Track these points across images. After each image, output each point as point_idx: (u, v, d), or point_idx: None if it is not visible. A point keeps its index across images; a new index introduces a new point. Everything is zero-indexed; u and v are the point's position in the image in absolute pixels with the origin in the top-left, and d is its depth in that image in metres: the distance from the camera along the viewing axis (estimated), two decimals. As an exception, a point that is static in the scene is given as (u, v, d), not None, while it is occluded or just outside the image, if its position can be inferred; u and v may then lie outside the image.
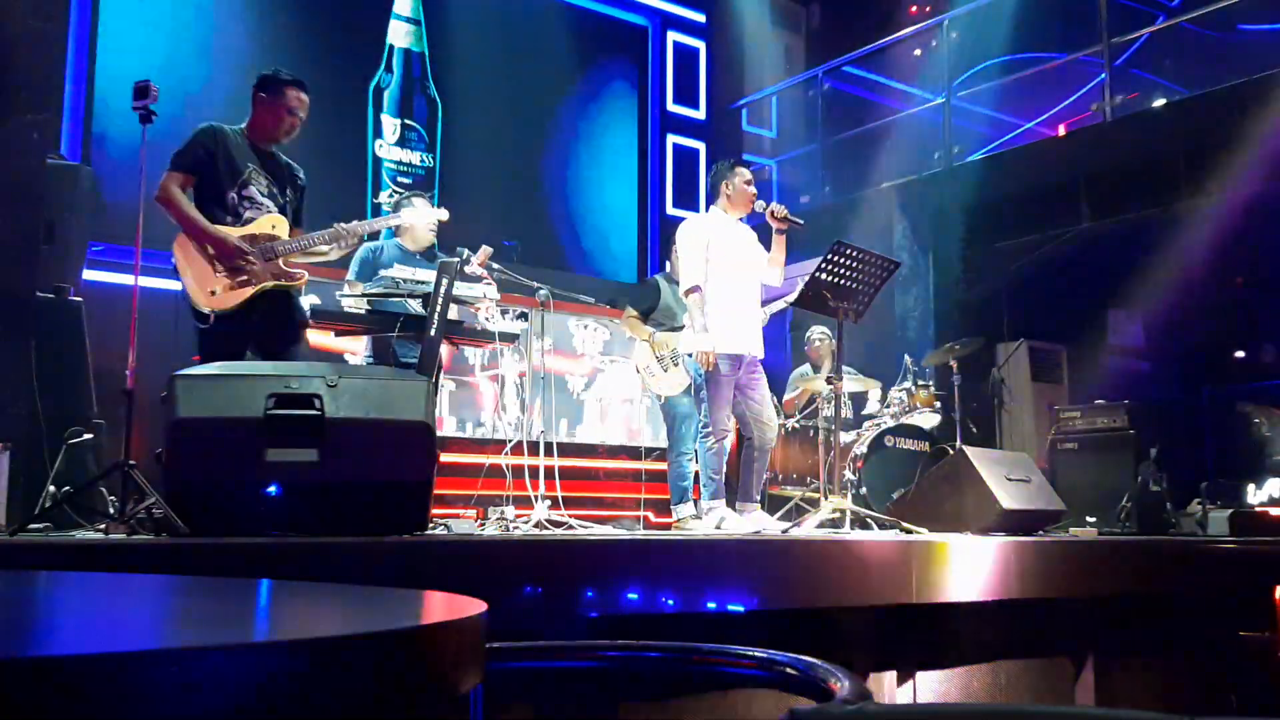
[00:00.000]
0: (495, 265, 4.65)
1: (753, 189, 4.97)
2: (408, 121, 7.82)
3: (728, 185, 4.95)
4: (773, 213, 4.82)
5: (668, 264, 5.89)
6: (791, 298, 5.27)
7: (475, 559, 2.94)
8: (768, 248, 4.98)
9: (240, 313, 3.66)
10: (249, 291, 3.67)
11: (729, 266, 4.85)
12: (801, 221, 4.90)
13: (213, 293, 3.62)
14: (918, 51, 9.34)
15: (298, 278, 3.81)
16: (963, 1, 8.45)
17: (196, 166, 3.74)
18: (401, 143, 7.78)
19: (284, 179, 3.95)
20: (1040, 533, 4.74)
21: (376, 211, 7.57)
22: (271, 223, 3.79)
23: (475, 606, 0.88)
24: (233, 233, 3.69)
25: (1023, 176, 7.93)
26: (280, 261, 3.75)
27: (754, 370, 4.90)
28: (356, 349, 5.45)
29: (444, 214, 4.58)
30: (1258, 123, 6.69)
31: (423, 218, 4.60)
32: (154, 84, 3.78)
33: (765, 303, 5.43)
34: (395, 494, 3.06)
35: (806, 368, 6.98)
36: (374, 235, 4.81)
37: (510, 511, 4.43)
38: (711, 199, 5.05)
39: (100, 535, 3.10)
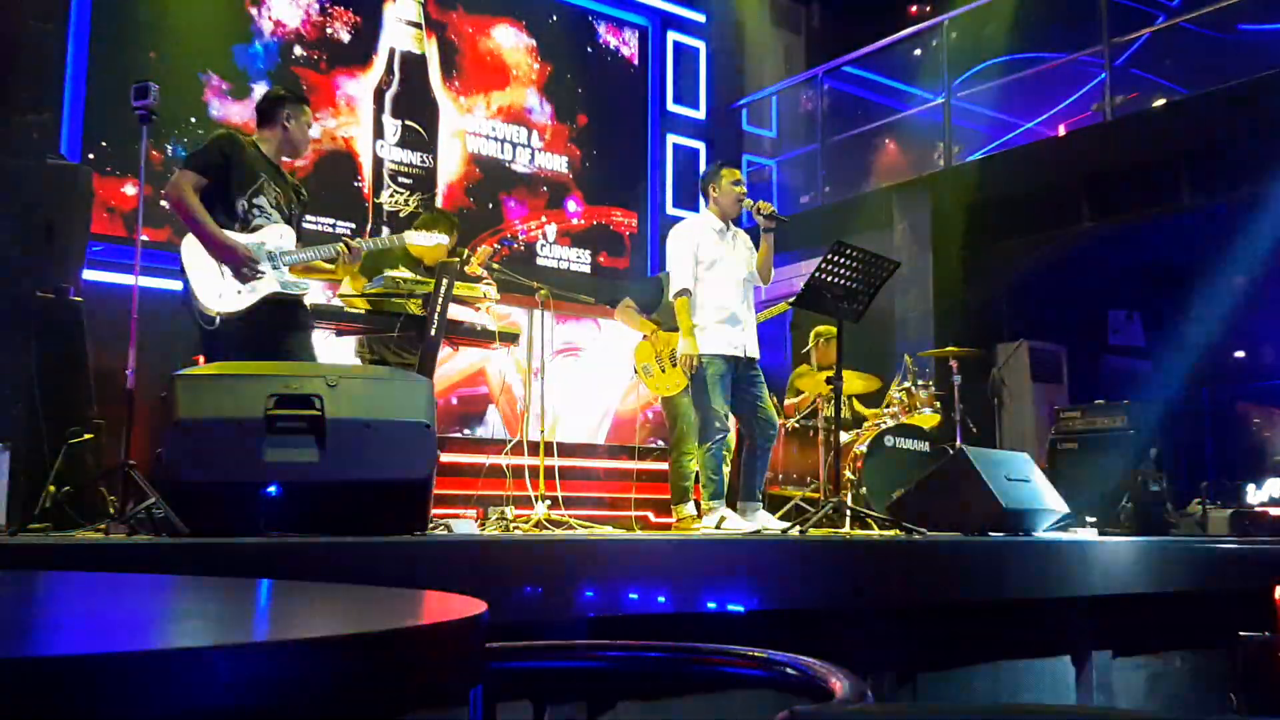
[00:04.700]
0: (495, 265, 4.65)
1: (740, 188, 4.98)
2: (408, 123, 7.82)
3: (714, 187, 4.99)
4: (758, 209, 4.84)
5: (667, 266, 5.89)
6: (792, 298, 5.28)
7: (475, 559, 2.94)
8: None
9: (245, 317, 3.67)
10: (255, 298, 3.68)
11: (720, 268, 4.88)
12: (786, 219, 4.92)
13: (220, 296, 3.63)
14: (918, 51, 9.33)
15: (303, 288, 3.84)
16: (963, 1, 8.44)
17: (212, 170, 3.75)
18: (402, 144, 7.78)
19: (291, 193, 4.00)
20: (1040, 533, 4.74)
21: (377, 212, 7.58)
22: (278, 232, 3.80)
23: (475, 606, 0.88)
24: (241, 240, 3.70)
25: (1023, 176, 7.93)
26: (286, 271, 3.78)
27: (752, 370, 4.91)
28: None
29: (445, 239, 4.59)
30: (1257, 123, 6.69)
31: (428, 240, 4.56)
32: (153, 85, 3.80)
33: (765, 304, 5.44)
34: (395, 494, 3.06)
35: (806, 368, 6.97)
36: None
37: (510, 511, 4.43)
38: (708, 192, 5.07)
39: (100, 535, 3.10)
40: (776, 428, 5.03)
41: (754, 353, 4.91)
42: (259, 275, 3.69)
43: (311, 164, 7.22)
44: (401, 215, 7.64)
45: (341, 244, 3.98)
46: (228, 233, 3.69)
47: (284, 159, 4.05)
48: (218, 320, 3.63)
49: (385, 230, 7.39)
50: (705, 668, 1.38)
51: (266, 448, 2.85)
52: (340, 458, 2.93)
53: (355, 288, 4.59)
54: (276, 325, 3.78)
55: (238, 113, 6.82)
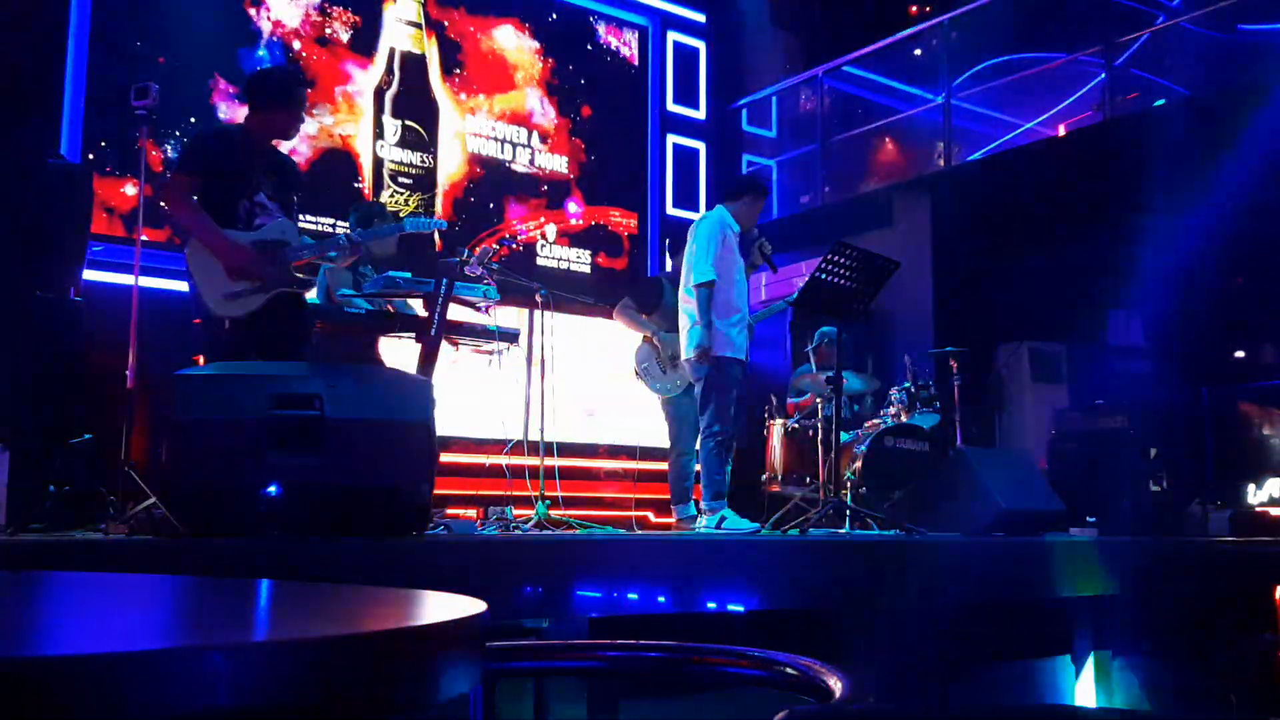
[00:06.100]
0: (494, 266, 4.65)
1: (756, 215, 5.09)
2: (408, 123, 7.82)
3: (745, 201, 5.03)
4: (760, 246, 4.91)
5: (669, 265, 5.90)
6: (792, 298, 5.31)
7: (475, 559, 2.94)
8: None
9: (253, 317, 3.66)
10: (263, 298, 3.66)
11: (735, 269, 4.94)
12: (775, 268, 5.09)
13: (227, 297, 3.62)
14: (918, 51, 9.33)
15: (308, 282, 3.83)
16: (963, 1, 8.44)
17: (204, 171, 3.72)
18: (402, 144, 7.78)
19: (284, 174, 3.95)
20: (1040, 533, 4.74)
21: (377, 212, 7.57)
22: (281, 229, 3.79)
23: (475, 606, 0.88)
24: (245, 240, 3.69)
25: (1023, 176, 7.92)
26: (290, 267, 3.76)
27: (745, 373, 5.01)
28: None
29: (443, 224, 4.61)
30: (1257, 123, 6.68)
31: (426, 226, 4.57)
32: (154, 85, 3.80)
33: (766, 303, 5.46)
34: (395, 494, 3.06)
35: (809, 367, 6.97)
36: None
37: (510, 511, 4.43)
38: (725, 197, 5.10)
39: (100, 535, 3.10)
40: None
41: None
42: (264, 274, 3.67)
43: (311, 164, 7.22)
44: (402, 215, 7.64)
45: (345, 236, 3.99)
46: (231, 233, 3.67)
47: (274, 140, 3.98)
48: (227, 323, 3.62)
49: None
50: (705, 668, 1.38)
51: (266, 448, 2.85)
52: (340, 458, 2.93)
53: (337, 286, 4.60)
54: (282, 324, 3.77)
55: (244, 115, 6.82)
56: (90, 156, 6.33)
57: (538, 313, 4.90)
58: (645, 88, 9.28)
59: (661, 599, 3.11)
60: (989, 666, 4.11)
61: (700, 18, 9.56)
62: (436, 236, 7.32)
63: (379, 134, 7.68)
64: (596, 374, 7.71)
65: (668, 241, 8.63)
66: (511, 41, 8.45)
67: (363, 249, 4.36)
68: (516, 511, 4.44)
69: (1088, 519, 5.85)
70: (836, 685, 1.04)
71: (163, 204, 3.69)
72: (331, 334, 4.52)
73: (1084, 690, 4.30)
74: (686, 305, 5.03)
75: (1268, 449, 7.11)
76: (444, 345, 4.27)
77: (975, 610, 3.94)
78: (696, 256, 4.91)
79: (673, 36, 9.41)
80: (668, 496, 5.59)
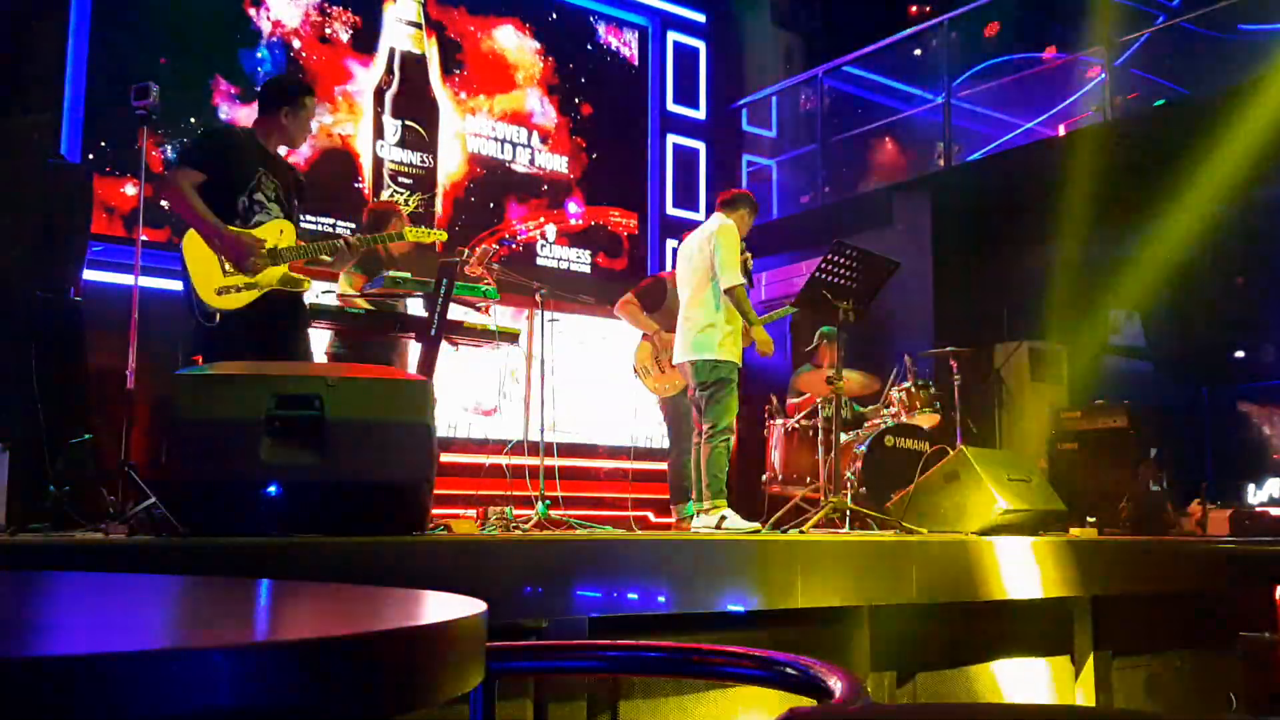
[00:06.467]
0: (495, 265, 4.65)
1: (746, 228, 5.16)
2: (408, 123, 7.82)
3: (749, 213, 5.05)
4: (745, 260, 4.92)
5: (668, 267, 5.89)
6: (793, 300, 5.32)
7: (475, 559, 2.94)
8: None
9: (245, 313, 3.67)
10: (255, 293, 3.67)
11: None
12: (753, 283, 5.14)
13: (219, 292, 3.62)
14: (918, 51, 9.33)
15: (303, 282, 3.83)
16: (963, 1, 8.44)
17: (208, 166, 3.73)
18: (402, 144, 7.78)
19: (289, 181, 3.96)
20: (1040, 533, 4.74)
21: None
22: (279, 228, 3.79)
23: (475, 606, 0.88)
24: (242, 235, 3.70)
25: (1022, 176, 7.92)
26: (286, 266, 3.77)
27: None
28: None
29: (443, 235, 4.60)
30: (1257, 122, 6.69)
31: (426, 237, 4.57)
32: (154, 85, 3.80)
33: (771, 304, 5.45)
34: (395, 494, 3.06)
35: (809, 367, 6.96)
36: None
37: (510, 511, 4.43)
38: (724, 208, 5.10)
39: (100, 535, 3.10)
40: None
41: None
42: (261, 269, 3.68)
43: (311, 164, 7.22)
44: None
45: (342, 240, 3.98)
46: (229, 226, 3.68)
47: (281, 147, 4.02)
48: (218, 316, 3.63)
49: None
50: (705, 668, 1.38)
51: (266, 448, 2.85)
52: (340, 458, 2.93)
53: (354, 286, 4.59)
54: (276, 322, 3.77)
55: (246, 116, 6.83)
56: (90, 156, 6.33)
57: (538, 313, 4.90)
58: (645, 88, 9.28)
59: (661, 599, 3.11)
60: (989, 666, 4.11)
61: (700, 18, 9.56)
62: (436, 237, 7.31)
63: (379, 134, 7.68)
64: (596, 374, 7.71)
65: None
66: (512, 41, 8.45)
67: (369, 250, 4.37)
68: (516, 511, 4.44)
69: (1088, 519, 5.85)
70: (836, 685, 1.04)
71: (163, 198, 3.69)
72: (346, 335, 4.54)
73: (1084, 690, 4.30)
74: (692, 309, 5.01)
75: (1268, 449, 7.12)
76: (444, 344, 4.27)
77: (975, 610, 3.94)
78: (723, 262, 4.87)
79: (673, 36, 9.41)
80: (667, 496, 5.59)
